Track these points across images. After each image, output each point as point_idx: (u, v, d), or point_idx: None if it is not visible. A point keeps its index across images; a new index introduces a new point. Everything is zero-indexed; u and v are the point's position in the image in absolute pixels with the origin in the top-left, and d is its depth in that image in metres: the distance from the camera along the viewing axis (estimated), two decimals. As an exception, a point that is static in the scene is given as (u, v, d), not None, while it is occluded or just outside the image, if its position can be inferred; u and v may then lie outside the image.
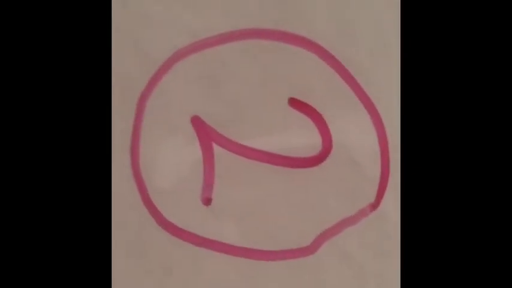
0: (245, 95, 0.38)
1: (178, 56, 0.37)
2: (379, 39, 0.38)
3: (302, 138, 0.38)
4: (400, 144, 0.37)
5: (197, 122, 0.38)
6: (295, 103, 0.38)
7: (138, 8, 0.38)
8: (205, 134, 0.38)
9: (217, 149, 0.38)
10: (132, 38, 0.38)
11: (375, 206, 0.38)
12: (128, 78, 0.37)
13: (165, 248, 0.38)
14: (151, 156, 0.38)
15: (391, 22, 0.38)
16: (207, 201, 0.38)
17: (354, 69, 0.38)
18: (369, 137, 0.38)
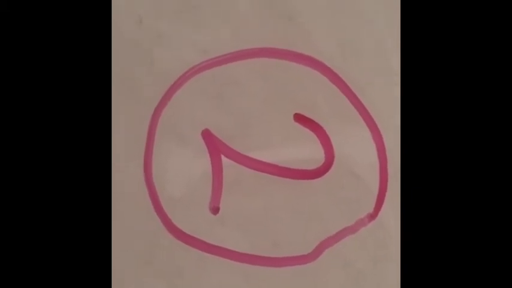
0: (253, 110, 0.39)
1: (191, 73, 0.38)
2: (380, 58, 0.39)
3: (306, 151, 0.39)
4: (399, 158, 0.37)
5: (207, 135, 0.39)
6: (299, 118, 0.39)
7: (153, 27, 0.38)
8: (215, 146, 0.38)
9: (225, 160, 0.39)
10: (149, 55, 0.38)
11: (373, 216, 0.39)
12: (144, 93, 0.38)
13: (174, 253, 0.38)
14: (163, 167, 0.38)
15: (391, 41, 0.38)
16: (215, 210, 0.39)
17: (356, 86, 0.39)
18: (368, 151, 0.39)
